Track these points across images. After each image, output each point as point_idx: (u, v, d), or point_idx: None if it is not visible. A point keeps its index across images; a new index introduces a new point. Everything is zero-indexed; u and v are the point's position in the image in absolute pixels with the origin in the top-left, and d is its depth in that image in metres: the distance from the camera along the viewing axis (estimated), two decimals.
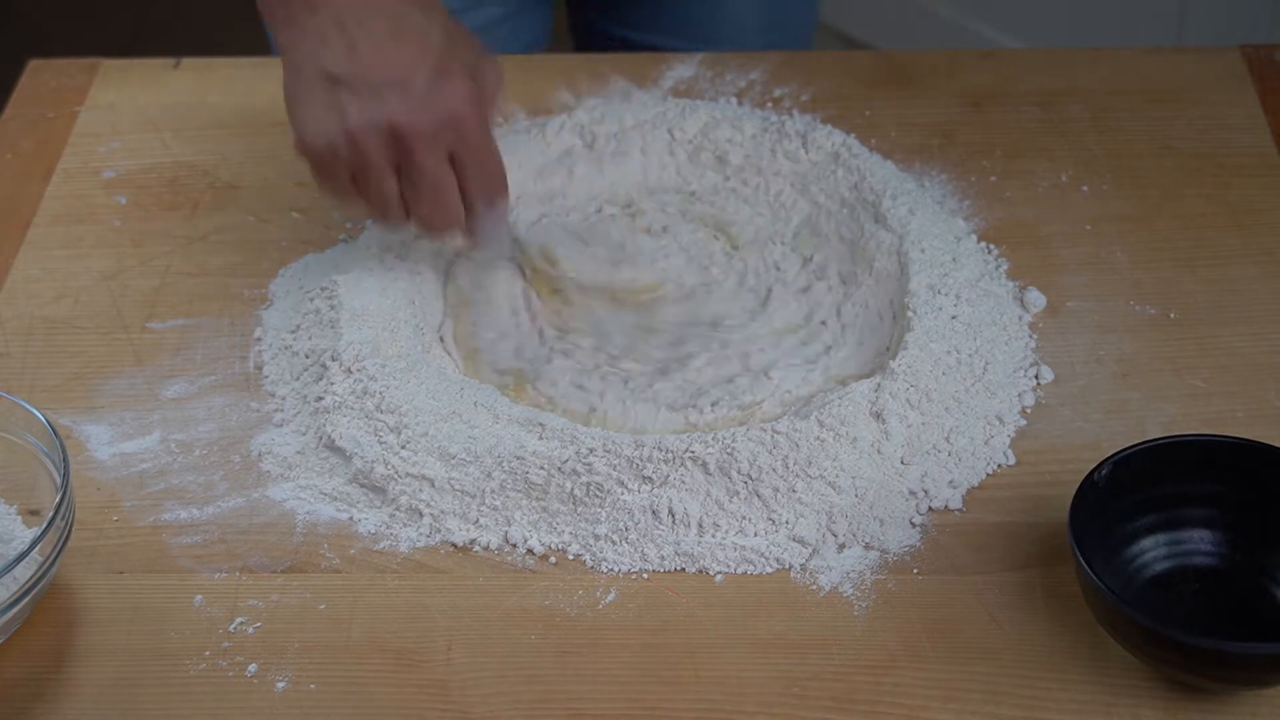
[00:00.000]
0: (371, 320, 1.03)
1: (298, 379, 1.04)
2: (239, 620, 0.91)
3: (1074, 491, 0.87)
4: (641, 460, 0.93)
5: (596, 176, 1.15)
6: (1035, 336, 1.05)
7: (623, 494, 0.93)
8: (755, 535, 0.93)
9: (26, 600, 0.88)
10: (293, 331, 1.06)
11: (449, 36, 0.96)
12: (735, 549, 0.93)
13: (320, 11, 0.94)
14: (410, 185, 0.98)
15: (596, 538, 0.93)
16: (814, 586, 0.92)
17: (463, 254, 1.08)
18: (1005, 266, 1.09)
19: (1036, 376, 1.02)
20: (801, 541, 0.93)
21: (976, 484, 0.96)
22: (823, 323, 1.06)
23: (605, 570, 0.93)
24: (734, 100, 1.24)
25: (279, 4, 0.95)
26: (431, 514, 0.95)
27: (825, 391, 1.00)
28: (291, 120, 0.98)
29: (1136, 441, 0.90)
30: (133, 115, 1.26)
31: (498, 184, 1.01)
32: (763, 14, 1.42)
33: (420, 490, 0.95)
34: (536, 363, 1.04)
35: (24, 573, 0.88)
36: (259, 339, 1.07)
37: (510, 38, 1.38)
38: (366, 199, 0.99)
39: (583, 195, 1.15)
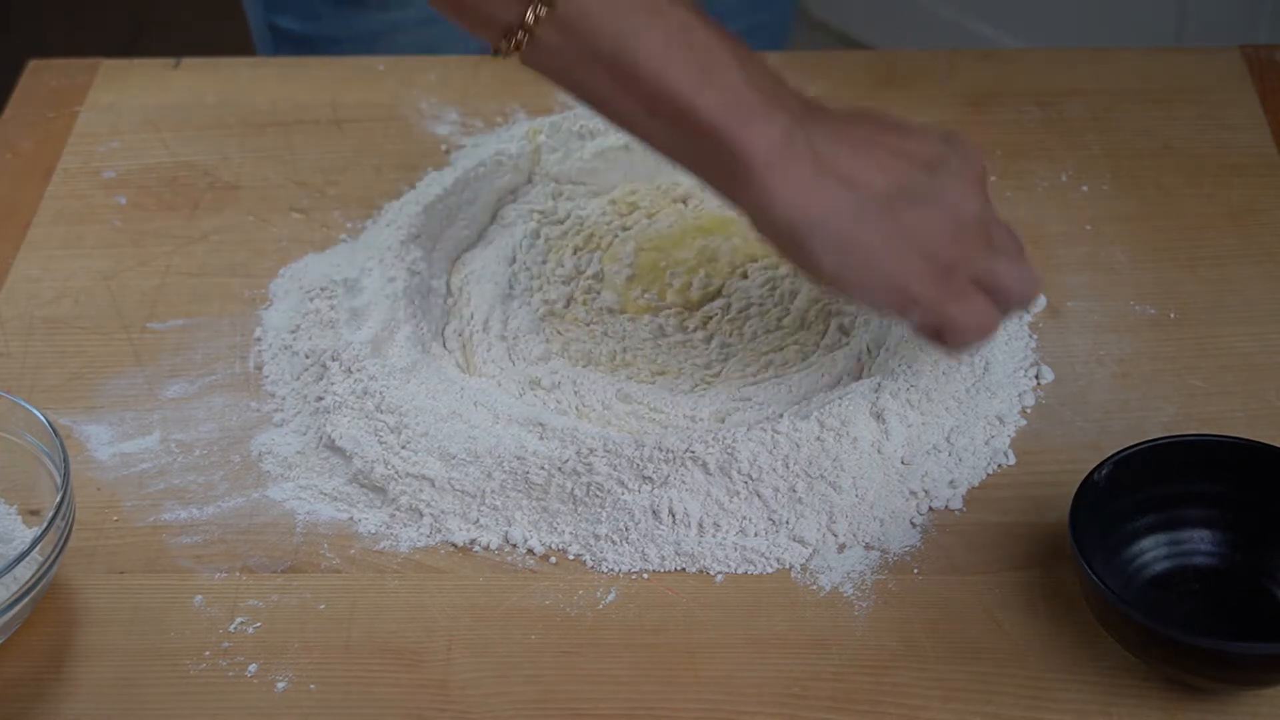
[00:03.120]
0: (371, 320, 1.03)
1: (298, 379, 1.04)
2: (239, 620, 0.91)
3: (1074, 491, 0.87)
4: (642, 460, 0.93)
5: (596, 176, 1.15)
6: (1035, 336, 1.05)
7: (623, 494, 0.93)
8: (755, 535, 0.93)
9: (26, 600, 0.88)
10: (293, 331, 1.06)
11: (881, 115, 0.93)
12: (735, 549, 0.93)
13: (820, 137, 0.87)
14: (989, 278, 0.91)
15: (597, 538, 0.93)
16: (814, 586, 0.92)
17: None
18: None
19: (1036, 376, 1.02)
20: (802, 541, 0.93)
21: (976, 484, 0.96)
22: (822, 323, 1.06)
23: (605, 570, 0.93)
24: None
25: (778, 148, 0.86)
26: (432, 514, 0.95)
27: (825, 391, 1.00)
28: (882, 276, 0.89)
29: (1136, 441, 0.90)
30: (133, 115, 1.26)
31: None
32: None
33: (420, 490, 0.95)
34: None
35: (24, 573, 0.88)
36: (259, 339, 1.07)
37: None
38: (997, 296, 0.92)
39: (581, 194, 1.15)
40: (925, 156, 0.90)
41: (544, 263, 1.10)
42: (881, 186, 0.87)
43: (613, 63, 0.86)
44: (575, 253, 1.10)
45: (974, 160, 0.92)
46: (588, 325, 1.06)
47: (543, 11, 0.85)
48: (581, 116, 1.16)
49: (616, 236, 1.11)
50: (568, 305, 1.08)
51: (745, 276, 1.07)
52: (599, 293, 1.08)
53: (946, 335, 0.91)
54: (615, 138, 1.15)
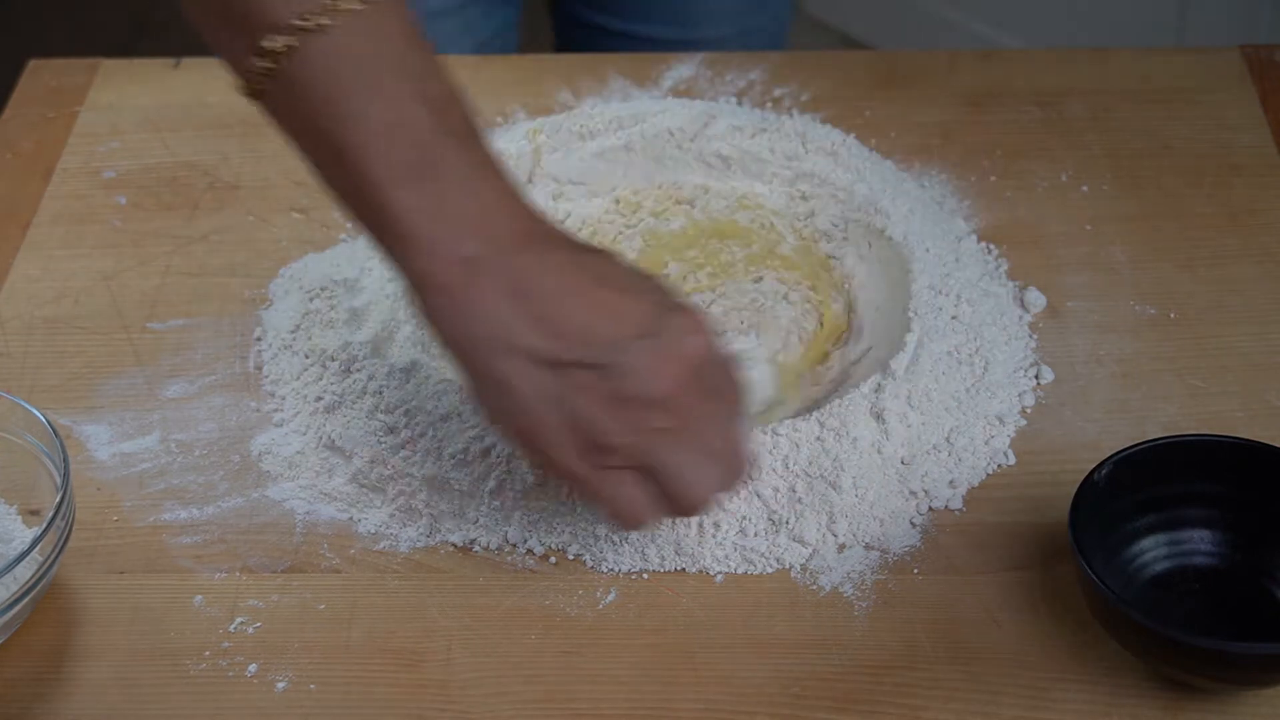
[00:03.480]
0: (371, 320, 1.03)
1: (298, 379, 1.04)
2: (239, 620, 0.91)
3: (1074, 491, 0.87)
4: None
5: (596, 176, 1.15)
6: (1035, 336, 1.05)
7: None
8: (755, 535, 0.93)
9: (26, 600, 0.88)
10: (293, 331, 1.06)
11: (644, 274, 0.84)
12: (735, 549, 0.93)
13: (503, 277, 0.79)
14: (695, 446, 0.83)
15: (596, 538, 0.93)
16: (814, 586, 0.92)
17: None
18: (1005, 266, 1.09)
19: (1036, 376, 1.02)
20: (801, 541, 0.93)
21: (976, 484, 0.96)
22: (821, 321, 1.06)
23: (605, 570, 0.93)
24: (734, 100, 1.24)
25: (443, 287, 0.80)
26: (431, 514, 0.95)
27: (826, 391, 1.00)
28: (526, 435, 0.82)
29: (1136, 441, 0.90)
30: (133, 115, 1.26)
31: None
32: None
33: (420, 490, 0.95)
34: None
35: (24, 573, 0.88)
36: (259, 339, 1.07)
37: (469, 26, 1.38)
38: (672, 487, 0.83)
39: (581, 194, 1.15)
40: (634, 321, 0.80)
41: None
42: (566, 337, 0.79)
43: (325, 140, 0.81)
44: None
45: (686, 343, 0.81)
46: None
47: (272, 63, 0.80)
48: (581, 117, 1.16)
49: (621, 233, 1.11)
50: None
51: (759, 281, 1.07)
52: None
53: (600, 509, 0.85)
54: (615, 138, 1.15)
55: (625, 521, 0.84)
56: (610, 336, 0.80)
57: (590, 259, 0.83)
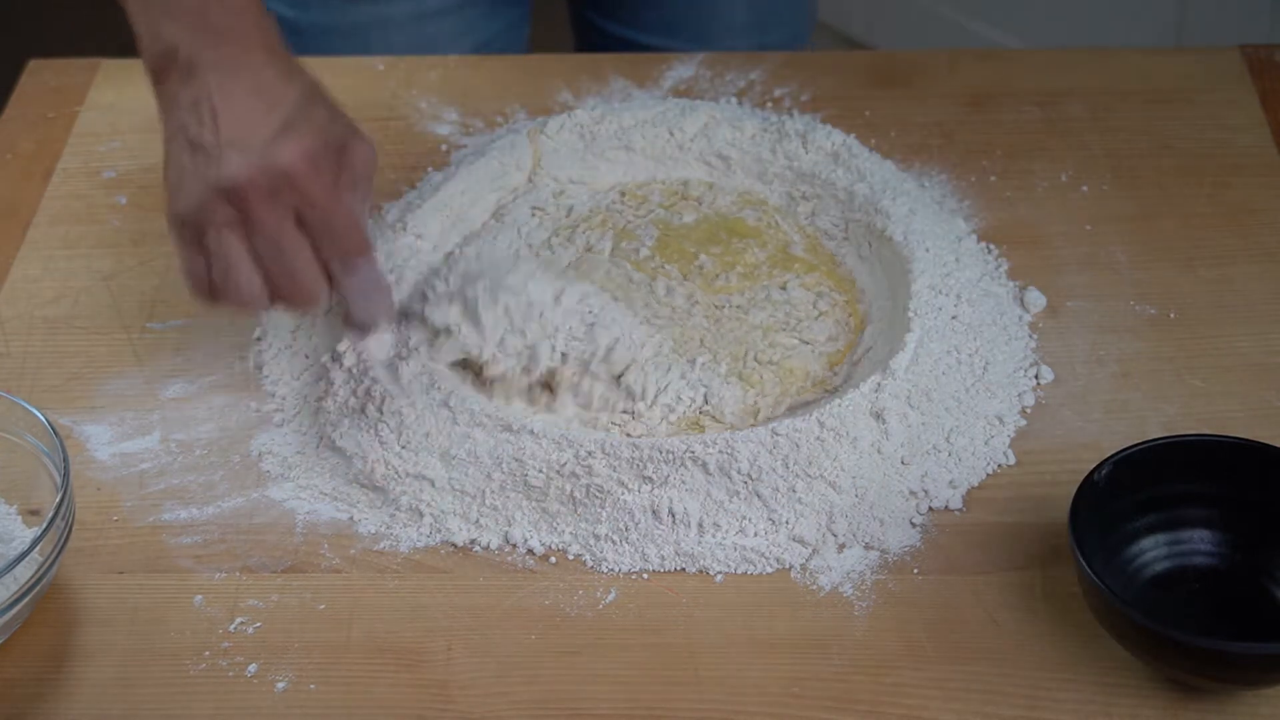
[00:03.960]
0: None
1: (298, 379, 1.04)
2: (239, 620, 0.91)
3: (1074, 491, 0.87)
4: (641, 461, 0.93)
5: (596, 175, 1.15)
6: (1035, 336, 1.05)
7: (623, 494, 0.93)
8: (755, 535, 0.93)
9: (26, 600, 0.88)
10: (293, 331, 1.06)
11: (307, 101, 0.94)
12: (735, 549, 0.93)
13: (192, 83, 0.93)
14: (256, 252, 0.93)
15: (597, 538, 0.93)
16: (814, 587, 0.92)
17: (346, 333, 1.02)
18: (1005, 266, 1.09)
19: (1036, 376, 1.02)
20: (801, 541, 0.93)
21: (976, 484, 0.96)
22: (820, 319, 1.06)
23: (605, 570, 0.93)
24: (734, 100, 1.24)
25: (159, 70, 0.95)
26: (432, 514, 0.95)
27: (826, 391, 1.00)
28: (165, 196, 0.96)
29: (1136, 441, 0.90)
30: (133, 115, 1.26)
31: (351, 244, 0.95)
32: (754, 13, 1.42)
33: (421, 490, 0.95)
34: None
35: (24, 573, 0.88)
36: (259, 339, 1.07)
37: (471, 26, 1.38)
38: (214, 273, 0.94)
39: (582, 193, 1.15)
40: (258, 128, 0.92)
41: (552, 237, 1.09)
42: (206, 126, 0.92)
43: None
44: (583, 231, 1.10)
45: (280, 157, 0.91)
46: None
47: None
48: (581, 117, 1.16)
49: (630, 222, 1.11)
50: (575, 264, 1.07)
51: (784, 288, 1.06)
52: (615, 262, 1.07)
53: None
54: (615, 138, 1.15)
55: (187, 286, 0.96)
56: (231, 133, 0.92)
57: (277, 79, 0.94)
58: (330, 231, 0.94)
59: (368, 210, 0.97)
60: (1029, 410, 1.00)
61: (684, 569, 0.93)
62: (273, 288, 0.94)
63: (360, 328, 1.00)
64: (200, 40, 0.93)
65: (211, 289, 0.95)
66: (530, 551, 0.94)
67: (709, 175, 1.15)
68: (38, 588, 0.88)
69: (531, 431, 0.94)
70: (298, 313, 1.00)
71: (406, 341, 1.01)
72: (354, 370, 1.00)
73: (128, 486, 0.99)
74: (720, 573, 0.92)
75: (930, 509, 0.95)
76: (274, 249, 0.93)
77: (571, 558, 0.94)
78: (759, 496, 0.93)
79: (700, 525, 0.93)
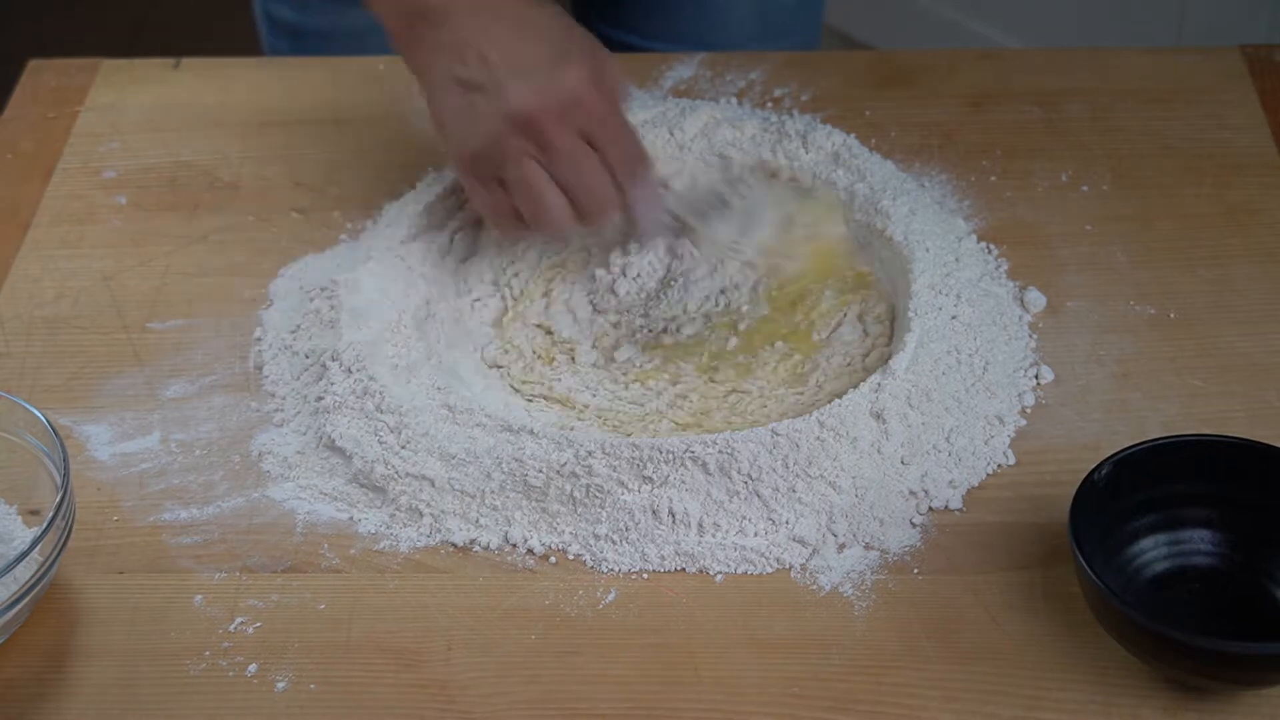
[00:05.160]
0: (371, 320, 1.03)
1: (298, 379, 1.04)
2: (239, 620, 0.91)
3: (1074, 491, 0.87)
4: (641, 460, 0.93)
5: None
6: (1035, 336, 1.05)
7: (623, 494, 0.93)
8: (755, 535, 0.93)
9: (26, 600, 0.88)
10: (293, 331, 1.06)
11: (567, 30, 0.99)
12: (735, 549, 0.93)
13: (445, 27, 0.97)
14: (553, 174, 0.98)
15: (597, 538, 0.93)
16: (814, 586, 0.92)
17: (627, 240, 1.08)
18: (1005, 266, 1.09)
19: (1036, 376, 1.02)
20: (801, 541, 0.93)
21: (976, 484, 0.96)
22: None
23: (605, 570, 0.93)
24: (734, 100, 1.24)
25: (405, 27, 0.98)
26: (432, 514, 0.95)
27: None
28: (443, 141, 1.01)
29: (1136, 441, 0.90)
30: (133, 115, 1.26)
31: (638, 157, 1.02)
32: (761, 25, 1.42)
33: (420, 490, 0.95)
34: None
35: (24, 573, 0.88)
36: (259, 339, 1.07)
37: None
38: (519, 203, 0.99)
39: None
40: (531, 59, 0.97)
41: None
42: (472, 65, 0.96)
43: None
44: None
45: (565, 83, 0.96)
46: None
47: None
48: None
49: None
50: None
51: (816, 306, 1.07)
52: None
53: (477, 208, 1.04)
54: None
55: (491, 221, 1.03)
56: (507, 68, 0.96)
57: (534, 12, 0.99)
58: (619, 146, 1.00)
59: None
60: (1029, 410, 1.00)
61: (684, 569, 0.93)
62: (576, 208, 1.00)
63: (645, 235, 1.07)
64: None
65: (517, 219, 1.00)
66: (530, 551, 0.94)
67: (710, 175, 1.15)
68: (38, 588, 0.88)
69: (531, 431, 0.94)
70: (593, 228, 1.04)
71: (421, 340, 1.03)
72: (354, 370, 1.00)
73: (128, 486, 0.99)
74: (720, 573, 0.92)
75: (930, 509, 0.95)
76: (573, 168, 0.98)
77: (571, 558, 0.94)
78: (759, 496, 0.93)
79: (700, 525, 0.93)
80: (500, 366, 1.05)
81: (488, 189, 1.00)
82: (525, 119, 0.96)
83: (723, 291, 1.07)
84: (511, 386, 1.04)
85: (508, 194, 1.00)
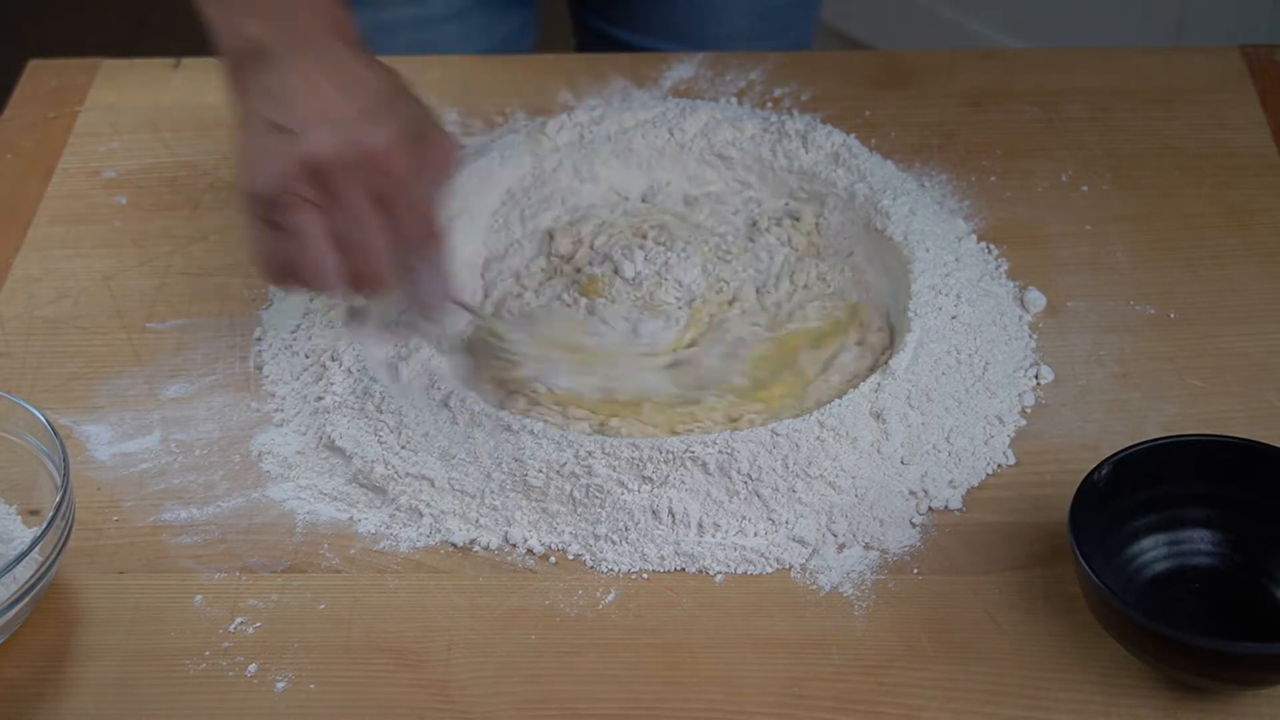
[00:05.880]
0: (372, 320, 1.03)
1: (298, 379, 1.04)
2: (239, 620, 0.91)
3: (1074, 491, 0.87)
4: (641, 461, 0.93)
5: (595, 177, 1.15)
6: (1035, 336, 1.05)
7: (622, 494, 0.93)
8: (755, 535, 0.93)
9: (26, 600, 0.88)
10: (293, 331, 1.06)
11: (394, 91, 0.95)
12: (735, 549, 0.93)
13: (271, 70, 0.93)
14: (333, 231, 0.92)
15: (596, 538, 0.93)
16: (814, 586, 0.92)
17: (407, 314, 1.03)
18: (1005, 266, 1.09)
19: (1036, 376, 1.02)
20: (801, 541, 0.93)
21: (976, 484, 0.96)
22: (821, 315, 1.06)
23: (605, 570, 0.93)
24: (734, 100, 1.24)
25: (234, 66, 0.95)
26: (431, 514, 0.95)
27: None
28: (236, 174, 0.95)
29: (1136, 441, 0.90)
30: (133, 115, 1.26)
31: (426, 233, 0.95)
32: (757, 21, 1.42)
33: (420, 490, 0.95)
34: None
35: (24, 573, 0.88)
36: (259, 339, 1.07)
37: (480, 29, 1.38)
38: (293, 253, 0.93)
39: (582, 198, 1.15)
40: (339, 110, 0.92)
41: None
42: (285, 108, 0.92)
43: None
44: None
45: (367, 139, 0.91)
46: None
47: None
48: (580, 117, 1.16)
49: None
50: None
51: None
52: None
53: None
54: (615, 138, 1.15)
55: (258, 270, 0.94)
56: (317, 116, 0.91)
57: (364, 69, 0.94)
58: (409, 216, 0.94)
59: (444, 203, 0.97)
60: (1029, 410, 1.00)
61: (684, 569, 0.93)
62: (347, 268, 0.93)
63: (421, 311, 1.01)
64: (283, 33, 0.93)
65: (284, 269, 0.94)
66: (530, 551, 0.94)
67: (710, 175, 1.15)
68: (38, 588, 0.88)
69: (531, 432, 0.94)
70: (364, 295, 0.99)
71: (407, 342, 1.02)
72: (354, 370, 1.00)
73: (128, 486, 0.99)
74: (720, 573, 0.92)
75: (930, 509, 0.95)
76: (354, 227, 0.92)
77: (571, 558, 0.94)
78: (759, 496, 0.93)
79: (700, 525, 0.93)
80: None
81: (263, 234, 0.93)
82: (315, 166, 0.90)
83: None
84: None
85: (283, 242, 0.93)
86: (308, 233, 0.92)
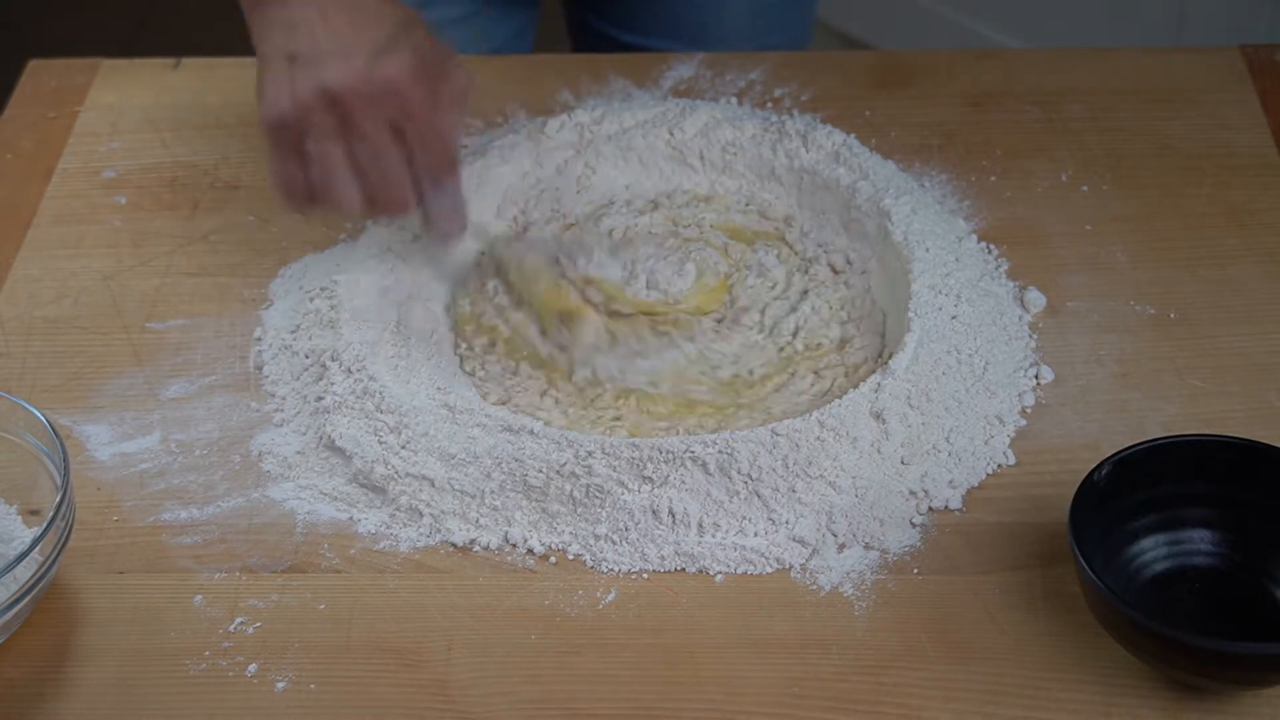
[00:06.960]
0: (371, 320, 1.03)
1: (298, 379, 1.04)
2: (239, 620, 0.91)
3: (1074, 491, 0.87)
4: (641, 460, 0.93)
5: (596, 177, 1.15)
6: (1035, 336, 1.05)
7: (623, 494, 0.93)
8: (755, 535, 0.93)
9: (26, 600, 0.88)
10: (293, 331, 1.06)
11: (408, 25, 0.98)
12: (735, 549, 0.93)
13: (287, 6, 0.97)
14: (355, 156, 0.98)
15: (596, 538, 0.93)
16: (814, 586, 0.92)
17: (422, 240, 1.08)
18: (1005, 266, 1.09)
19: (1036, 376, 1.02)
20: (801, 541, 0.93)
21: (976, 484, 0.96)
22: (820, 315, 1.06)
23: (605, 570, 0.93)
24: (734, 100, 1.24)
25: (253, 6, 0.98)
26: (432, 514, 0.95)
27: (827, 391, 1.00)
28: (258, 105, 1.00)
29: (1136, 441, 0.90)
30: (133, 115, 1.26)
31: (443, 161, 1.01)
32: (755, 19, 1.42)
33: (420, 490, 0.95)
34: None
35: (24, 573, 0.88)
36: (259, 339, 1.07)
37: (482, 33, 1.38)
38: (313, 177, 0.98)
39: (582, 197, 1.15)
40: (353, 42, 0.96)
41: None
42: (300, 39, 0.96)
43: None
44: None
45: (381, 67, 0.95)
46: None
47: None
48: (581, 117, 1.16)
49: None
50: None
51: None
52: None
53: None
54: (614, 142, 1.15)
55: (278, 194, 1.00)
56: (333, 46, 0.96)
57: (380, 2, 0.98)
58: (426, 145, 0.99)
59: (460, 133, 1.02)
60: (1029, 410, 1.00)
61: (684, 569, 0.93)
62: (367, 194, 0.98)
63: (439, 239, 1.06)
64: None
65: (306, 194, 0.99)
66: (530, 551, 0.94)
67: (710, 175, 1.15)
68: (38, 588, 0.88)
69: (531, 431, 0.94)
70: (385, 219, 1.04)
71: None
72: (354, 370, 1.00)
73: (128, 486, 0.99)
74: (720, 573, 0.92)
75: (930, 509, 0.95)
76: (372, 155, 0.97)
77: (571, 558, 0.94)
78: (759, 496, 0.93)
79: (700, 525, 0.93)
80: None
81: (284, 159, 0.99)
82: (335, 95, 0.96)
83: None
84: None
85: (303, 168, 0.99)
86: (329, 155, 0.97)
